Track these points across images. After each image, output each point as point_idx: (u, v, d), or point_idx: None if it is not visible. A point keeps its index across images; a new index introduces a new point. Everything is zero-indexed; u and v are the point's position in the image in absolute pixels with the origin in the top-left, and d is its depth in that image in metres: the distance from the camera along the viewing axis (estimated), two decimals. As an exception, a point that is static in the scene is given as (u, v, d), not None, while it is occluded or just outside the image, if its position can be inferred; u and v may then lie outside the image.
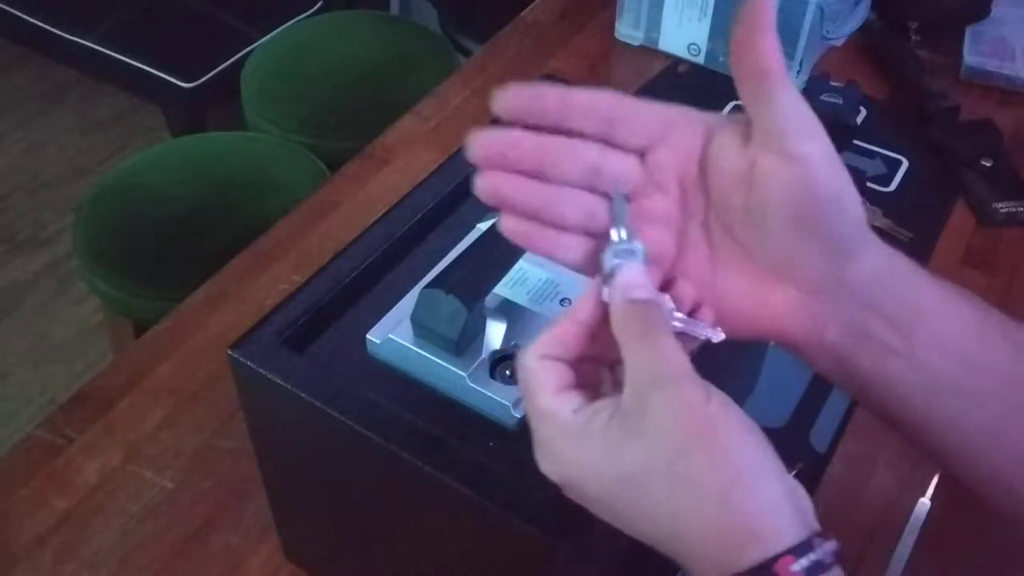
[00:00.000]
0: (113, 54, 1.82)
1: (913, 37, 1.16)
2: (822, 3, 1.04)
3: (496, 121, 0.42)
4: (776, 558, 0.35)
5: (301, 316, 0.55)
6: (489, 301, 0.53)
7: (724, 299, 0.44)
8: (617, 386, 0.39)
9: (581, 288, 0.56)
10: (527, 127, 0.42)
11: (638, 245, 0.42)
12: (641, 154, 0.43)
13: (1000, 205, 0.97)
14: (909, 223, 0.94)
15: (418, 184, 0.63)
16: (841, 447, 0.75)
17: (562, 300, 0.56)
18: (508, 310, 0.54)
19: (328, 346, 0.55)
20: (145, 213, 1.29)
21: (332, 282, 0.57)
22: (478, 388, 0.50)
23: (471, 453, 0.48)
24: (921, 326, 0.43)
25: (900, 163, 1.02)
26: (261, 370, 0.52)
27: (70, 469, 0.74)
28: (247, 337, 0.53)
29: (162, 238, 1.27)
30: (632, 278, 0.41)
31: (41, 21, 1.89)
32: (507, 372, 0.52)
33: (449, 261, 0.55)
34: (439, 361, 0.51)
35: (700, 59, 1.14)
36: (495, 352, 0.52)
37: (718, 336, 0.42)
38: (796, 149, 0.40)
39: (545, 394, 0.40)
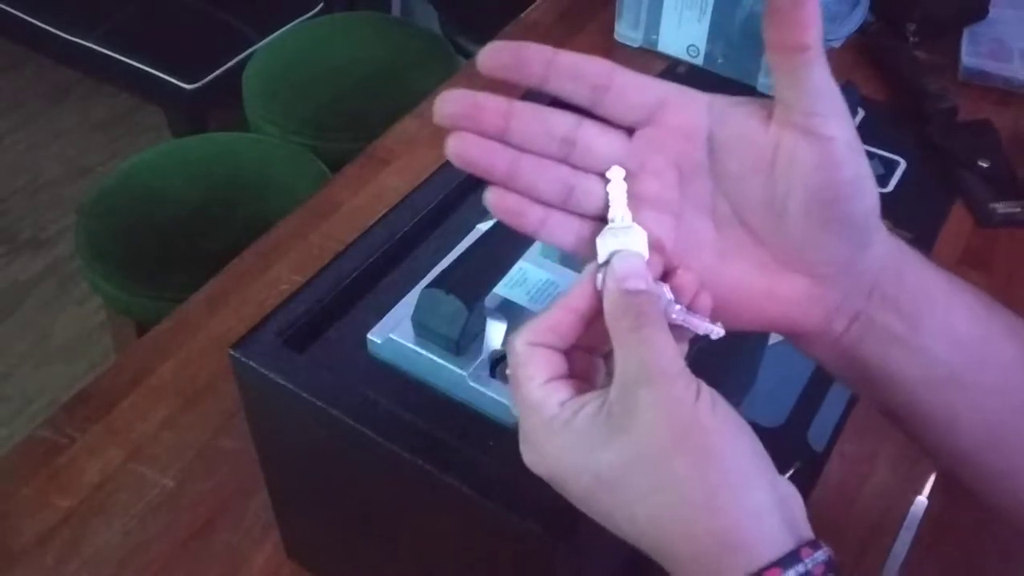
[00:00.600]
0: (115, 55, 1.82)
1: (911, 38, 1.16)
2: (820, 4, 1.04)
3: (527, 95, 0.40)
4: (761, 571, 0.34)
5: (302, 316, 0.55)
6: (489, 301, 0.53)
7: (731, 290, 0.42)
8: (610, 377, 0.38)
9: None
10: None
11: (637, 230, 0.40)
12: (629, 131, 0.41)
13: (998, 206, 0.97)
14: (907, 224, 0.94)
15: (418, 185, 0.64)
16: (839, 446, 0.76)
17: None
18: (508, 310, 0.54)
19: (329, 346, 0.55)
20: (147, 213, 1.29)
21: (333, 282, 0.57)
22: (478, 388, 0.50)
23: (471, 453, 0.48)
24: (929, 316, 0.42)
25: (898, 164, 1.02)
26: (262, 370, 0.52)
27: (72, 468, 0.74)
28: (248, 337, 0.54)
29: (164, 238, 1.27)
30: (628, 266, 0.39)
31: (42, 22, 1.90)
32: (507, 372, 0.52)
33: (449, 261, 0.56)
34: (439, 361, 0.51)
35: (699, 60, 1.15)
36: (495, 352, 0.52)
37: (718, 332, 0.40)
38: (824, 130, 0.38)
39: (533, 383, 0.39)
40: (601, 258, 0.40)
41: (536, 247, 0.56)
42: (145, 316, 1.23)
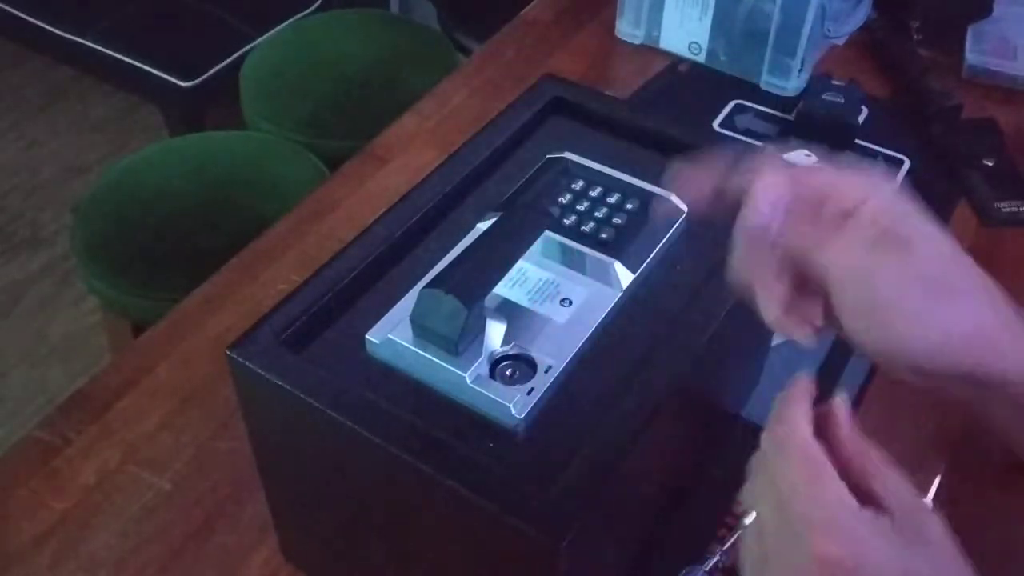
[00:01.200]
0: (112, 53, 1.82)
1: (915, 36, 1.16)
2: (824, 2, 1.04)
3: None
4: None
5: (300, 316, 0.54)
6: (489, 301, 0.53)
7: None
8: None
9: (581, 289, 0.56)
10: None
11: None
12: None
13: (1002, 205, 0.97)
14: (911, 223, 0.94)
15: (417, 183, 0.63)
16: (843, 448, 0.75)
17: (562, 300, 0.55)
18: (508, 310, 0.54)
19: (327, 346, 0.55)
20: (143, 212, 1.29)
21: (331, 282, 0.56)
22: (478, 388, 0.50)
23: (471, 453, 0.48)
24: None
25: (902, 162, 1.02)
26: (260, 370, 0.52)
27: (68, 470, 0.73)
28: (246, 337, 0.53)
29: (160, 237, 1.26)
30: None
31: (40, 20, 1.89)
32: (507, 372, 0.51)
33: (449, 261, 0.55)
34: (439, 361, 0.51)
35: (701, 58, 1.14)
36: (495, 352, 0.52)
37: None
38: None
39: (836, 481, 0.41)
40: None
41: (536, 247, 0.56)
42: (141, 316, 1.22)
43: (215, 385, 0.79)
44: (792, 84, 1.09)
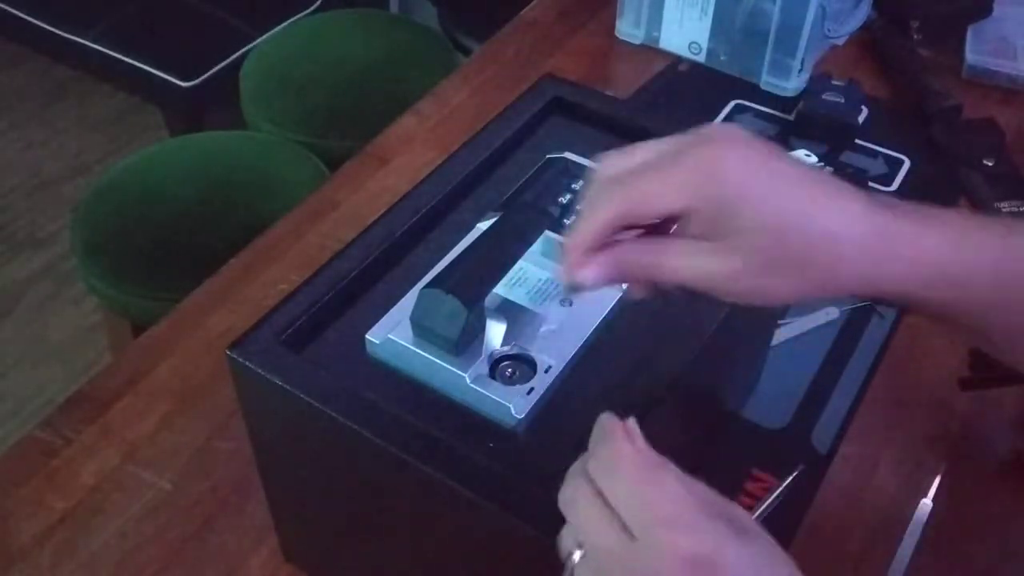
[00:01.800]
0: (112, 53, 1.81)
1: (915, 36, 1.15)
2: (823, 2, 1.04)
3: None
4: None
5: (300, 316, 0.54)
6: (489, 301, 0.53)
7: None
8: None
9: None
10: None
11: None
12: None
13: (1002, 205, 0.97)
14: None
15: (417, 183, 0.63)
16: (843, 448, 0.75)
17: (562, 300, 0.55)
18: (508, 310, 0.54)
19: (327, 346, 0.55)
20: (144, 213, 1.29)
21: (331, 282, 0.56)
22: (478, 388, 0.50)
23: (471, 453, 0.48)
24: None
25: (902, 162, 1.02)
26: (260, 370, 0.51)
27: (68, 470, 0.73)
28: (246, 337, 0.53)
29: (160, 238, 1.26)
30: None
31: (40, 20, 1.89)
32: (507, 372, 0.51)
33: (449, 261, 0.55)
34: (439, 361, 0.51)
35: (701, 58, 1.14)
36: (495, 352, 0.51)
37: None
38: None
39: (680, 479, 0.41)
40: None
41: (536, 247, 0.56)
42: (141, 316, 1.22)
43: (215, 385, 0.79)
44: (792, 84, 1.09)
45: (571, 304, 0.55)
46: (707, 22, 1.11)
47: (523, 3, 1.27)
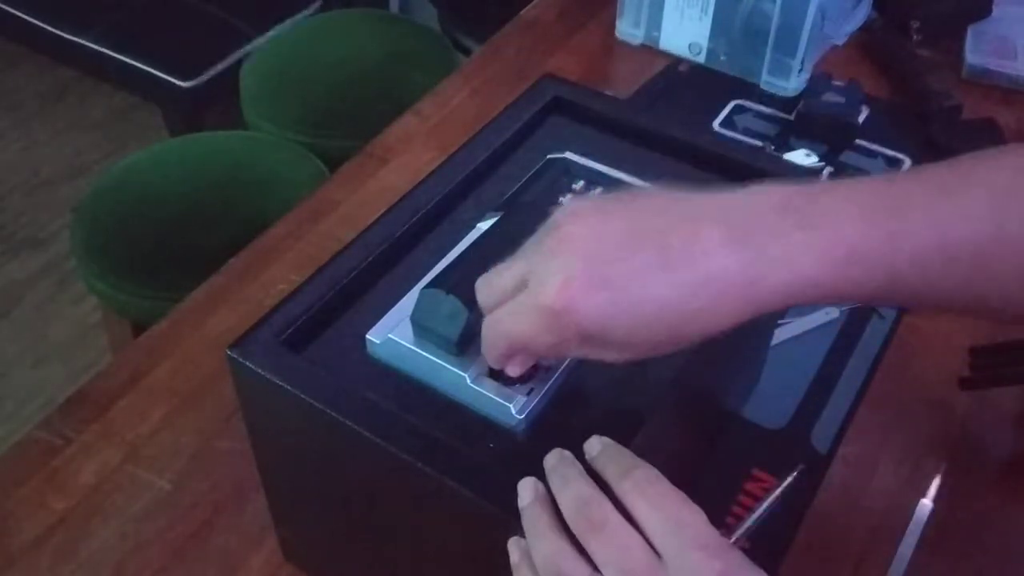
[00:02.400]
0: (111, 53, 1.81)
1: (915, 36, 1.15)
2: (824, 2, 1.04)
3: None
4: None
5: (300, 316, 0.54)
6: (490, 301, 0.53)
7: None
8: None
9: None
10: None
11: None
12: None
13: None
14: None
15: (417, 183, 0.63)
16: (842, 448, 0.75)
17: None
18: (509, 310, 0.54)
19: (327, 346, 0.55)
20: (143, 212, 1.29)
21: (331, 282, 0.56)
22: (478, 388, 0.50)
23: (471, 453, 0.48)
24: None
25: (902, 162, 1.02)
26: (260, 370, 0.51)
27: (68, 470, 0.73)
28: (246, 337, 0.53)
29: (160, 237, 1.26)
30: None
31: (40, 20, 1.89)
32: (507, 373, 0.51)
33: (449, 261, 0.55)
34: (439, 361, 0.51)
35: (701, 58, 1.14)
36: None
37: None
38: None
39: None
40: None
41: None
42: (141, 316, 1.22)
43: (215, 385, 0.79)
44: (792, 84, 1.09)
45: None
46: (707, 22, 1.11)
47: (523, 3, 1.27)
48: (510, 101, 0.70)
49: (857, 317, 0.85)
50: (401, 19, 1.83)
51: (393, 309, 0.54)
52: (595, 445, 0.45)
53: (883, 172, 1.00)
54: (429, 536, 0.54)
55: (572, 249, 0.44)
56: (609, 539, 0.41)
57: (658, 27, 1.16)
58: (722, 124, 1.06)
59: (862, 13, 1.14)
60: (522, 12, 1.25)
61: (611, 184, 0.63)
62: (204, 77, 1.77)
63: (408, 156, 1.02)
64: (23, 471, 0.73)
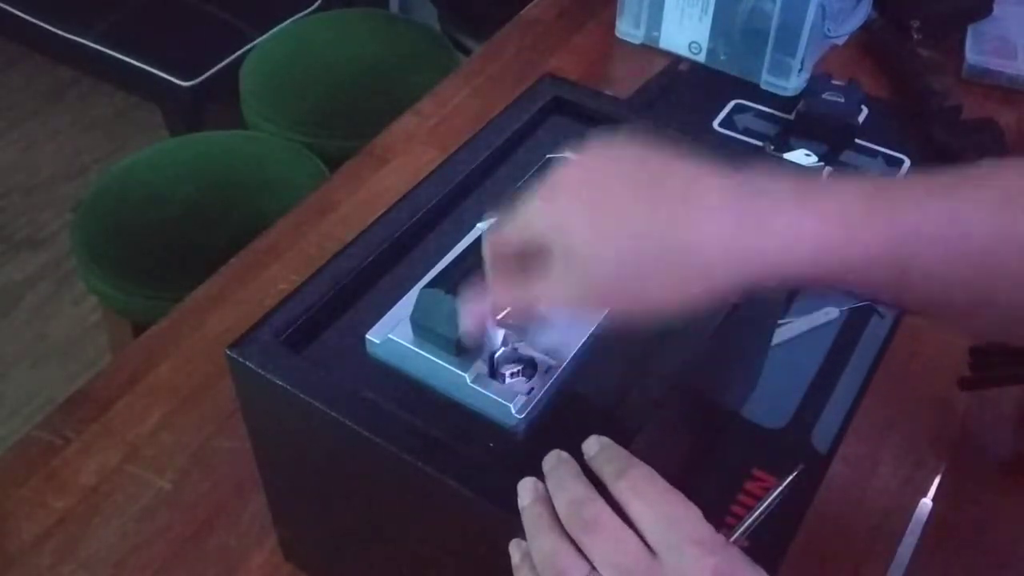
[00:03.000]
0: (111, 53, 1.81)
1: (915, 36, 1.15)
2: (823, 2, 1.04)
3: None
4: None
5: (300, 316, 0.54)
6: (489, 301, 0.53)
7: None
8: None
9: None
10: None
11: None
12: None
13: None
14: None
15: (417, 183, 0.63)
16: (842, 448, 0.75)
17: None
18: (508, 310, 0.54)
19: (327, 346, 0.55)
20: (143, 212, 1.29)
21: (331, 282, 0.56)
22: (478, 388, 0.50)
23: (471, 453, 0.48)
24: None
25: (902, 162, 1.02)
26: (260, 370, 0.51)
27: (68, 469, 0.73)
28: (246, 337, 0.53)
29: (161, 237, 1.26)
30: None
31: (39, 20, 1.89)
32: (507, 372, 0.51)
33: (449, 261, 0.55)
34: (439, 361, 0.51)
35: (701, 58, 1.14)
36: (495, 352, 0.51)
37: None
38: None
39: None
40: None
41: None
42: (141, 316, 1.22)
43: (215, 385, 0.79)
44: (792, 84, 1.09)
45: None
46: (707, 22, 1.11)
47: (523, 3, 1.27)
48: (510, 101, 0.70)
49: (857, 317, 0.85)
50: (401, 19, 1.83)
51: (393, 309, 0.54)
52: (593, 445, 0.45)
53: (883, 172, 1.00)
54: (428, 536, 0.54)
55: (566, 186, 0.45)
56: (604, 537, 0.41)
57: (658, 27, 1.16)
58: (722, 124, 1.06)
59: (862, 13, 1.14)
60: (522, 12, 1.25)
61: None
62: (204, 77, 1.77)
63: (408, 156, 1.02)
64: (23, 471, 0.73)
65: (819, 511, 0.71)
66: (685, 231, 0.43)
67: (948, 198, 0.44)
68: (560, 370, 0.51)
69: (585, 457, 0.45)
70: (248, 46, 1.76)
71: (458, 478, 0.47)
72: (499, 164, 0.66)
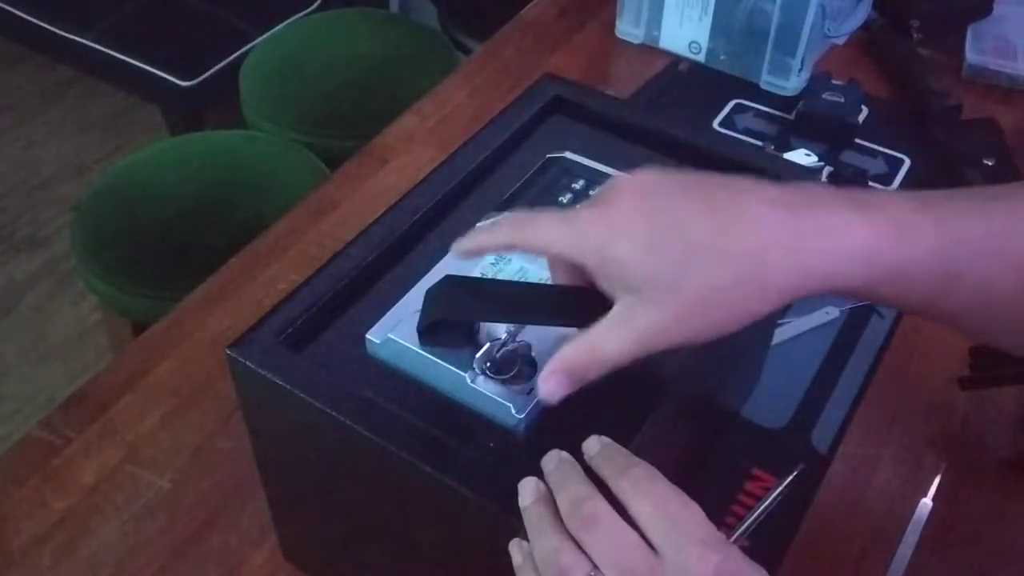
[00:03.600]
0: (111, 52, 1.81)
1: (915, 35, 1.15)
2: (824, 2, 1.03)
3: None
4: None
5: (300, 316, 0.54)
6: (490, 301, 0.53)
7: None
8: None
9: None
10: None
11: None
12: None
13: (1002, 204, 0.96)
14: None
15: (418, 183, 0.63)
16: (842, 448, 0.75)
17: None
18: (508, 310, 0.54)
19: (327, 346, 0.55)
20: (143, 212, 1.29)
21: (331, 281, 0.56)
22: (478, 388, 0.50)
23: (471, 453, 0.48)
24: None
25: (902, 162, 1.02)
26: (260, 370, 0.51)
27: (68, 469, 0.73)
28: (246, 337, 0.53)
29: (160, 237, 1.26)
30: None
31: (40, 19, 1.89)
32: (507, 372, 0.51)
33: (448, 261, 0.55)
34: (439, 361, 0.51)
35: (701, 57, 1.14)
36: (496, 352, 0.51)
37: None
38: None
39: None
40: None
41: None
42: (141, 316, 1.22)
43: (215, 385, 0.79)
44: (792, 84, 1.09)
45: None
46: (707, 22, 1.11)
47: (523, 3, 1.27)
48: (510, 101, 0.70)
49: (857, 317, 0.85)
50: (401, 19, 1.83)
51: (393, 309, 0.54)
52: (594, 445, 0.45)
53: (883, 172, 1.00)
54: (429, 536, 0.54)
55: (618, 197, 0.45)
56: (606, 536, 0.41)
57: (658, 26, 1.16)
58: (722, 123, 1.06)
59: (862, 13, 1.14)
60: (522, 12, 1.25)
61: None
62: (204, 77, 1.77)
63: (408, 156, 1.02)
64: (23, 471, 0.73)
65: (819, 511, 0.71)
66: (743, 237, 0.43)
67: (1001, 211, 0.44)
68: (560, 370, 0.51)
69: (586, 457, 0.45)
70: (248, 46, 1.76)
71: (458, 478, 0.47)
72: (499, 164, 0.66)
